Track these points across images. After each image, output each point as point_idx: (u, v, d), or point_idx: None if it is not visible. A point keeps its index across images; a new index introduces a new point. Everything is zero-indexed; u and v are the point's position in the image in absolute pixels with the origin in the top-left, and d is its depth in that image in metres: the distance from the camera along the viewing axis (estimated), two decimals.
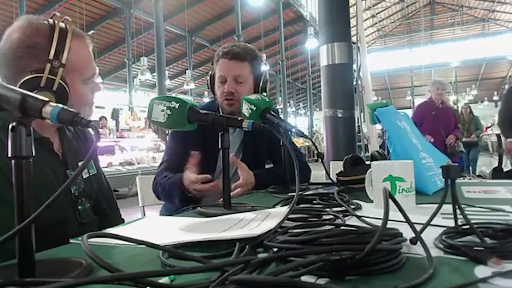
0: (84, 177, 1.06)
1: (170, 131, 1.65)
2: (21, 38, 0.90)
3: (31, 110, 0.49)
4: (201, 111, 1.00)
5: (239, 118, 1.01)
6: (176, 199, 1.36)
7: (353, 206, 0.92)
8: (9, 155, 0.48)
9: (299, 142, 11.38)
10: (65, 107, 0.49)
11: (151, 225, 0.90)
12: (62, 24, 0.92)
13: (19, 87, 0.85)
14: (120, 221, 1.19)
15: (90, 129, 0.51)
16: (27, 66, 0.88)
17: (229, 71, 1.51)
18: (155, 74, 12.43)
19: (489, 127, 12.16)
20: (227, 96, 1.51)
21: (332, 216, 0.79)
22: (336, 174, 1.34)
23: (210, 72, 1.59)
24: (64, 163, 1.00)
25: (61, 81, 0.90)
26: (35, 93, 0.85)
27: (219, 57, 1.54)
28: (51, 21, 0.92)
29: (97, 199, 1.10)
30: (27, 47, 0.89)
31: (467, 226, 0.60)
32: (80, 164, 1.03)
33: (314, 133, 18.46)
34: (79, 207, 1.01)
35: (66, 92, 0.91)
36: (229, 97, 1.50)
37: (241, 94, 1.49)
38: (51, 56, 0.89)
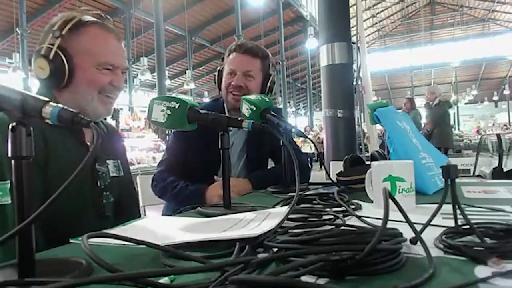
0: (111, 175, 1.10)
1: (172, 131, 1.65)
2: (51, 22, 1.02)
3: (31, 110, 0.49)
4: (201, 111, 1.00)
5: (239, 118, 1.01)
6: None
7: (353, 206, 0.92)
8: (9, 155, 0.48)
9: (298, 142, 11.38)
10: (65, 107, 0.49)
11: (151, 225, 0.90)
12: (90, 17, 1.02)
13: (33, 59, 0.97)
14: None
15: (90, 129, 0.51)
16: (43, 41, 0.99)
17: (240, 65, 1.51)
18: (155, 74, 12.43)
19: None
20: (234, 90, 1.50)
21: (332, 216, 0.79)
22: (336, 174, 1.34)
23: (218, 68, 1.58)
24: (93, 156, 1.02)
25: (58, 51, 0.97)
26: (35, 60, 0.96)
27: (231, 51, 1.54)
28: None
29: (119, 201, 1.12)
30: (50, 26, 1.00)
31: (467, 226, 0.60)
32: (108, 161, 1.10)
33: None
34: (104, 201, 1.04)
35: (63, 62, 0.97)
36: (236, 90, 1.50)
37: (249, 88, 1.49)
38: (55, 28, 0.98)
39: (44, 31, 1.02)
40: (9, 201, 0.80)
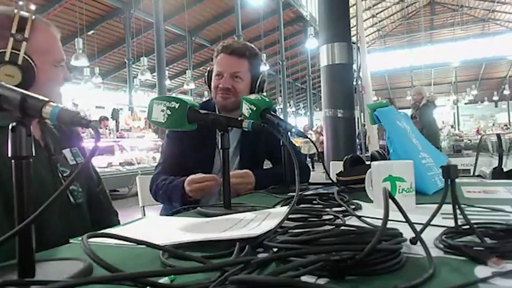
0: (71, 163, 1.08)
1: (166, 132, 1.65)
2: None
3: (31, 110, 0.48)
4: (201, 111, 1.00)
5: (239, 118, 1.01)
6: (177, 202, 1.36)
7: (353, 206, 0.92)
8: (9, 155, 0.48)
9: (298, 142, 11.38)
10: (65, 107, 0.49)
11: (151, 225, 0.90)
12: (25, 13, 0.97)
13: None
14: (112, 213, 1.21)
15: (90, 129, 0.51)
16: None
17: (227, 66, 1.50)
18: (155, 74, 12.44)
19: None
20: (222, 92, 1.50)
21: (332, 216, 0.79)
22: (336, 174, 1.34)
23: (208, 68, 1.59)
24: (47, 150, 1.02)
25: (26, 56, 0.92)
26: (0, 67, 0.89)
27: (218, 52, 1.54)
28: (15, 9, 0.97)
29: (88, 187, 1.11)
30: None
31: (467, 226, 0.60)
32: (64, 150, 1.06)
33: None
34: (72, 188, 1.03)
35: (32, 67, 0.93)
36: (225, 92, 1.50)
37: (237, 90, 1.49)
38: (13, 31, 0.92)
39: None
40: None
